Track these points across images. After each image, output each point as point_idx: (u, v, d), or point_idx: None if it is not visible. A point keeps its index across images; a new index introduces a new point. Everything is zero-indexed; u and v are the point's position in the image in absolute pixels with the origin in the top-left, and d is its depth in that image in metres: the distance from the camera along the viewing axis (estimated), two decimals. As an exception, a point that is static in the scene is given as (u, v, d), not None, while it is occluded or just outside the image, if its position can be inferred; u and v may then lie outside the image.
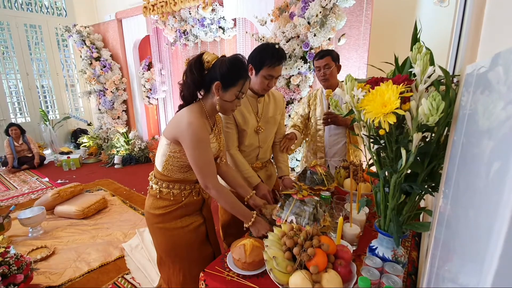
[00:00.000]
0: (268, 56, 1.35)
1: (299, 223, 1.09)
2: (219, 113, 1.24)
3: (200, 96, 1.22)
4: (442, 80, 0.70)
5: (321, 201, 1.18)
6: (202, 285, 1.01)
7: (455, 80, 0.74)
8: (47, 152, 5.49)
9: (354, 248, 1.11)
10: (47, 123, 5.50)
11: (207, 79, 1.15)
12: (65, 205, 3.02)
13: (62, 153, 5.42)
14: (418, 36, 0.71)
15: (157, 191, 1.23)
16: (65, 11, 5.73)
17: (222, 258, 1.09)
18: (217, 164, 1.30)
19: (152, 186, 1.26)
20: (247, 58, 1.49)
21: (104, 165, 4.89)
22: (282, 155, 1.68)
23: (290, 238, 0.88)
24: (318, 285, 0.77)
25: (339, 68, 1.82)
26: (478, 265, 0.35)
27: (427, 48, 0.67)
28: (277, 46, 1.38)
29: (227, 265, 1.04)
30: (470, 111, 0.52)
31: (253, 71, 1.41)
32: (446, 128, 0.69)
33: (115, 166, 4.79)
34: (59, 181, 4.11)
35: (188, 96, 1.20)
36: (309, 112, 2.00)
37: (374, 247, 0.91)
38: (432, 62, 0.66)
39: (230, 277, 0.98)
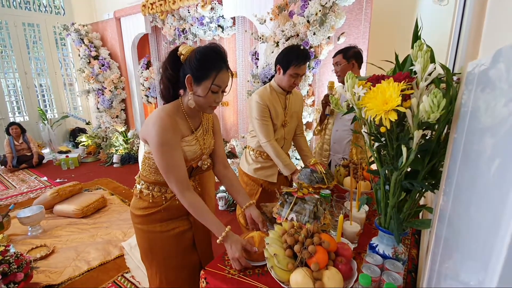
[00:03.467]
0: (294, 56, 1.50)
1: (300, 221, 1.10)
2: (204, 111, 1.15)
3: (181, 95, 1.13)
4: (443, 78, 0.70)
5: (321, 199, 1.18)
6: (203, 283, 1.01)
7: (455, 78, 0.74)
8: (45, 151, 5.47)
9: (355, 246, 1.11)
10: (46, 122, 5.48)
11: (181, 74, 1.05)
12: (64, 204, 3.02)
13: (60, 152, 5.41)
14: (419, 34, 0.71)
15: (139, 191, 1.19)
16: (63, 10, 5.71)
17: (223, 256, 1.09)
18: (199, 168, 1.20)
19: (136, 185, 1.22)
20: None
21: (103, 164, 4.88)
22: (305, 145, 1.84)
23: (291, 235, 0.88)
24: (319, 282, 0.77)
25: (359, 64, 1.87)
26: (480, 262, 0.36)
27: (427, 46, 0.67)
28: (301, 47, 1.52)
29: (228, 263, 1.04)
30: (472, 108, 0.52)
31: (281, 71, 1.56)
32: (447, 125, 0.70)
33: (114, 165, 4.78)
34: (57, 180, 4.11)
35: (166, 95, 1.12)
36: None
37: (374, 245, 0.92)
38: (432, 60, 0.66)
39: (230, 275, 0.99)
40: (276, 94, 1.64)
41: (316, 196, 1.18)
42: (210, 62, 1.01)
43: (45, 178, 4.23)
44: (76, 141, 5.62)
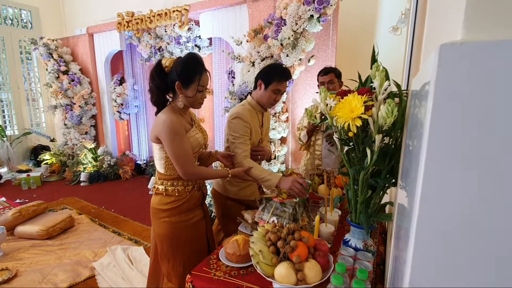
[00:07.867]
0: (277, 72, 1.52)
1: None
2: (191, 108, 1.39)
3: (170, 99, 1.35)
4: (398, 93, 0.85)
5: (299, 202, 1.28)
6: (189, 286, 1.04)
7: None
8: (3, 170, 5.06)
9: (330, 246, 1.21)
10: (5, 139, 5.12)
11: (169, 81, 1.27)
12: (27, 224, 2.82)
13: (20, 171, 5.03)
14: (376, 57, 0.87)
15: (163, 190, 1.36)
16: (31, 24, 5.53)
17: (208, 260, 1.13)
18: (204, 151, 1.50)
19: (158, 187, 1.38)
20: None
21: (69, 183, 4.62)
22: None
23: (274, 233, 0.96)
24: (301, 273, 0.86)
25: (341, 85, 2.02)
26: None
27: (383, 67, 0.83)
28: (284, 66, 1.58)
29: (213, 266, 1.09)
30: (412, 117, 0.66)
31: (262, 86, 1.54)
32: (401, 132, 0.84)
33: (81, 184, 4.54)
34: (17, 201, 3.81)
35: (157, 101, 1.33)
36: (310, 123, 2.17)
37: (347, 240, 1.03)
38: (387, 78, 0.81)
39: (216, 276, 1.03)
40: (254, 112, 1.60)
41: (295, 200, 1.28)
42: (194, 69, 1.25)
43: (3, 198, 3.90)
44: (38, 159, 5.28)
